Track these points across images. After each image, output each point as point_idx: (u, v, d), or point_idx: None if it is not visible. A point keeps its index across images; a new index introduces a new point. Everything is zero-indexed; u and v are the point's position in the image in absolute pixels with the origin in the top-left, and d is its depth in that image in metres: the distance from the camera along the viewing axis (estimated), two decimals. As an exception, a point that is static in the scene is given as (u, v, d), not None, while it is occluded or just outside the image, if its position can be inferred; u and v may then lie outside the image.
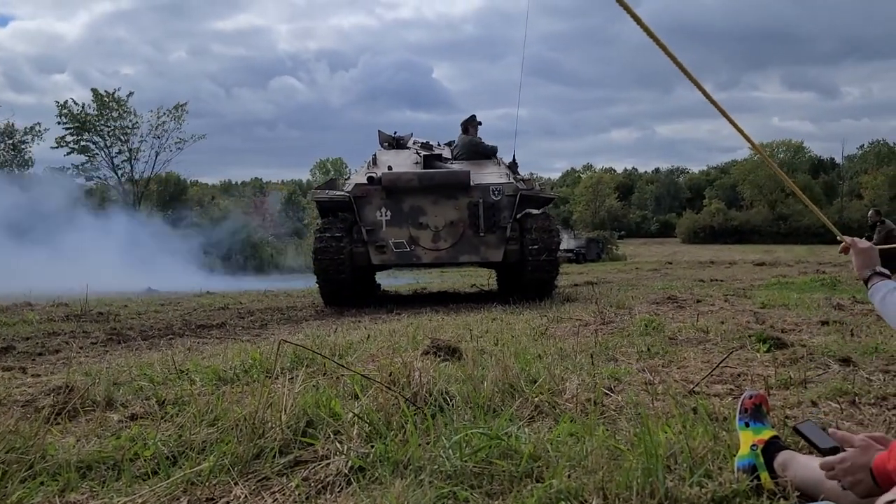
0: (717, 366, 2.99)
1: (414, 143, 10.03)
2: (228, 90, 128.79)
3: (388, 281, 15.36)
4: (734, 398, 2.45)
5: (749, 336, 3.97)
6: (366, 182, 8.11)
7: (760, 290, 8.99)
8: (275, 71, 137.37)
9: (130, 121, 35.64)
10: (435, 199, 8.10)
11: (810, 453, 1.62)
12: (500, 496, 1.65)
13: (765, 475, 1.63)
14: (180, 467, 1.87)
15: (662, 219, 76.24)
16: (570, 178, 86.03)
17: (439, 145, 10.23)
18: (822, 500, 1.48)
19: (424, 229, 8.10)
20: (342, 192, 8.21)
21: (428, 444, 1.95)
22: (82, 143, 35.28)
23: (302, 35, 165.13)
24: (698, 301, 6.74)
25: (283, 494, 1.72)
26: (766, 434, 1.73)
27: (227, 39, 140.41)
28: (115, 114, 35.31)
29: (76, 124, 34.75)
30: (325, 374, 2.95)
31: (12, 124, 35.57)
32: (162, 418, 2.34)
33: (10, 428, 2.01)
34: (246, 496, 1.71)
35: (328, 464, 1.84)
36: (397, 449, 1.89)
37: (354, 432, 2.03)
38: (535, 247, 7.94)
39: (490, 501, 1.63)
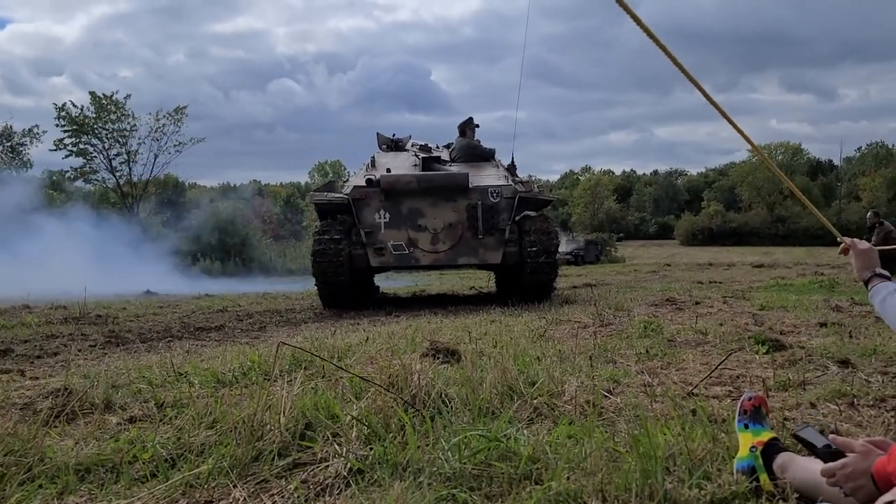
0: (716, 368, 2.99)
1: (412, 146, 10.00)
2: (227, 93, 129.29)
3: (387, 283, 15.36)
4: (733, 400, 2.45)
5: (748, 338, 3.97)
6: (364, 184, 8.10)
7: (759, 291, 8.99)
8: (273, 73, 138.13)
9: (128, 123, 35.60)
10: (434, 202, 8.09)
11: (809, 456, 1.62)
12: (500, 498, 1.65)
13: (764, 477, 1.63)
14: (179, 470, 1.87)
15: (661, 221, 76.35)
16: (569, 181, 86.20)
17: (438, 147, 10.21)
18: (821, 501, 1.48)
19: (423, 231, 8.09)
20: (341, 195, 8.19)
21: (427, 446, 1.94)
22: (80, 145, 35.23)
23: (300, 38, 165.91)
24: (697, 303, 6.74)
25: (282, 497, 1.72)
26: (766, 436, 1.73)
27: (225, 42, 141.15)
28: (112, 116, 35.25)
29: (74, 127, 34.70)
30: (323, 377, 2.95)
31: (10, 127, 35.59)
32: (161, 421, 2.34)
33: (8, 431, 2.01)
34: (245, 498, 1.71)
35: (327, 466, 1.84)
36: (396, 451, 1.89)
37: (353, 434, 2.03)
38: (534, 249, 7.94)
39: (489, 503, 1.63)
